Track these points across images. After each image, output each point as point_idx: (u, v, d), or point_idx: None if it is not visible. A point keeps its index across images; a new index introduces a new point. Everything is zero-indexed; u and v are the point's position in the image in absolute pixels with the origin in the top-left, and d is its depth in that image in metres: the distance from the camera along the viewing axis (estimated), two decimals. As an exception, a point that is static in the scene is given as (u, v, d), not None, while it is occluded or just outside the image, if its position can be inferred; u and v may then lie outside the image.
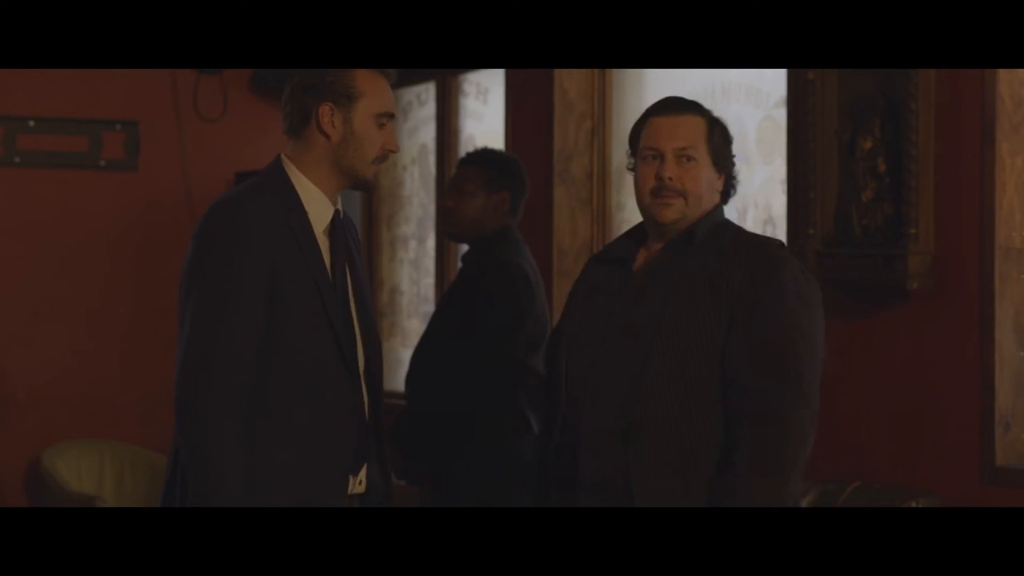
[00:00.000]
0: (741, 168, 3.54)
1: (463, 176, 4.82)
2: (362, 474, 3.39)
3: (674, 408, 3.31)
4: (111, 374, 7.08)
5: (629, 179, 3.55)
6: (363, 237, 7.10)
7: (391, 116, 3.42)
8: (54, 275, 7.02)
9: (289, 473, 3.27)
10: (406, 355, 5.66)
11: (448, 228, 5.10)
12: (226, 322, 3.23)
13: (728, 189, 3.51)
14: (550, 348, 3.57)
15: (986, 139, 4.38)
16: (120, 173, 7.14)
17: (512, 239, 4.76)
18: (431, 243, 7.08)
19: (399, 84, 6.61)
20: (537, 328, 4.67)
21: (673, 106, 3.49)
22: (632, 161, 3.51)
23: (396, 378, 6.65)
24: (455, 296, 4.82)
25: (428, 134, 7.09)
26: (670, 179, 3.41)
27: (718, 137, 3.46)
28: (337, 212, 3.41)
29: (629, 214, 5.87)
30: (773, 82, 5.24)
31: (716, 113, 3.51)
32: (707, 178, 3.44)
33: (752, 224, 5.30)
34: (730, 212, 3.56)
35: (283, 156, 3.41)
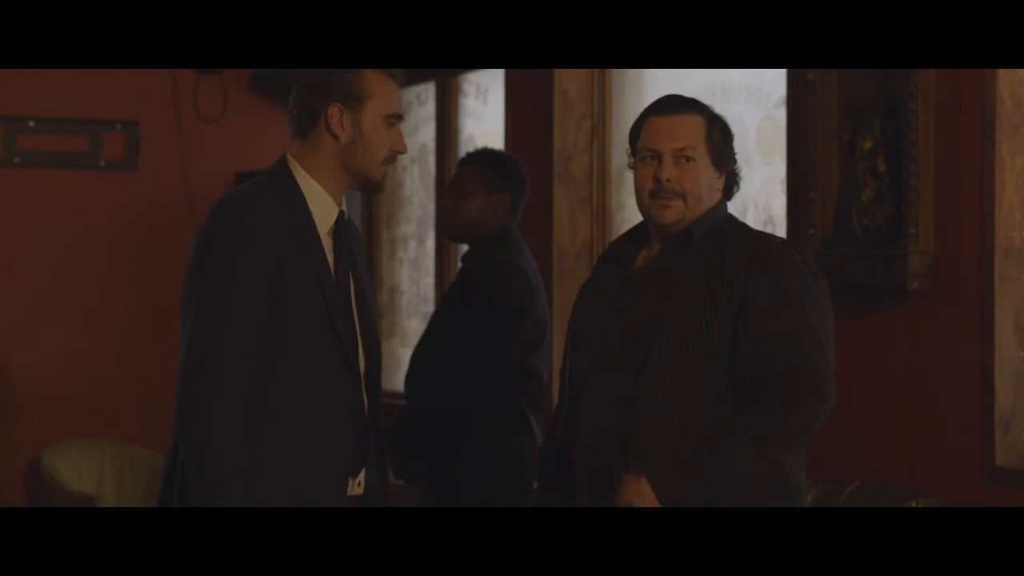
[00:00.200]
0: (741, 168, 3.53)
1: (463, 176, 4.82)
2: (361, 476, 3.39)
3: (673, 408, 3.31)
4: (111, 374, 7.08)
5: (629, 179, 3.55)
6: (363, 237, 7.10)
7: (400, 117, 3.41)
8: (54, 275, 7.02)
9: (290, 473, 3.26)
10: (406, 355, 5.65)
11: (448, 228, 5.10)
12: (228, 322, 3.23)
13: (731, 186, 3.50)
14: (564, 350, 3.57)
15: (986, 139, 4.38)
16: (120, 173, 7.14)
17: (512, 239, 4.76)
18: (431, 243, 7.08)
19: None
20: (537, 328, 4.67)
21: (671, 105, 3.47)
22: (632, 160, 3.50)
23: (396, 378, 6.65)
24: (455, 296, 4.82)
25: (428, 134, 7.09)
26: (668, 181, 3.40)
27: (717, 135, 3.45)
28: (341, 213, 3.41)
29: (629, 214, 5.87)
30: (773, 82, 5.24)
31: (716, 110, 3.51)
32: (706, 178, 3.43)
33: (752, 224, 5.28)
34: (730, 212, 3.55)
35: (289, 156, 3.41)
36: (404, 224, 7.40)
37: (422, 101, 7.15)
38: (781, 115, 5.11)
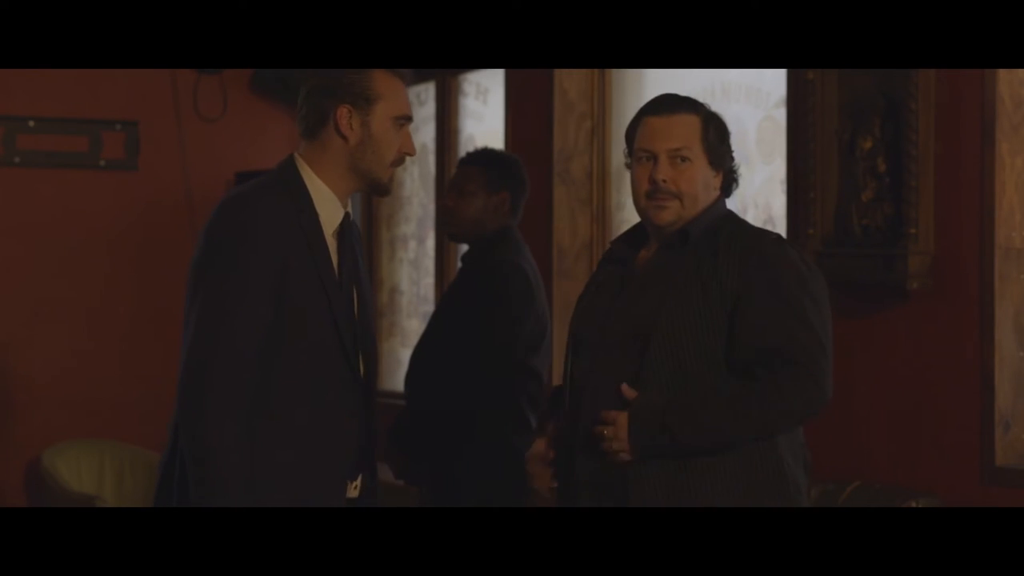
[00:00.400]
0: (740, 168, 3.52)
1: (463, 176, 4.82)
2: (358, 480, 3.39)
3: (671, 408, 3.31)
4: (111, 374, 7.08)
5: (629, 179, 3.55)
6: (363, 237, 7.10)
7: (409, 119, 3.40)
8: (54, 275, 7.03)
9: (290, 473, 3.26)
10: (406, 355, 5.66)
11: (448, 228, 5.10)
12: (230, 322, 3.22)
13: (728, 184, 3.49)
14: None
15: (986, 139, 4.38)
16: (120, 173, 7.15)
17: (512, 239, 4.76)
18: (431, 243, 7.08)
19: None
20: (537, 328, 4.67)
21: (667, 105, 3.46)
22: (629, 160, 3.50)
23: (396, 378, 6.65)
24: (455, 296, 4.82)
25: (428, 134, 7.09)
26: (664, 181, 3.39)
27: (713, 134, 3.43)
28: (347, 215, 3.41)
29: (629, 214, 5.86)
30: (773, 82, 5.24)
31: (713, 109, 3.50)
32: (703, 177, 3.42)
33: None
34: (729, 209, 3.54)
35: (296, 156, 3.39)
36: (404, 224, 7.40)
37: (422, 101, 7.15)
38: (781, 115, 5.11)
